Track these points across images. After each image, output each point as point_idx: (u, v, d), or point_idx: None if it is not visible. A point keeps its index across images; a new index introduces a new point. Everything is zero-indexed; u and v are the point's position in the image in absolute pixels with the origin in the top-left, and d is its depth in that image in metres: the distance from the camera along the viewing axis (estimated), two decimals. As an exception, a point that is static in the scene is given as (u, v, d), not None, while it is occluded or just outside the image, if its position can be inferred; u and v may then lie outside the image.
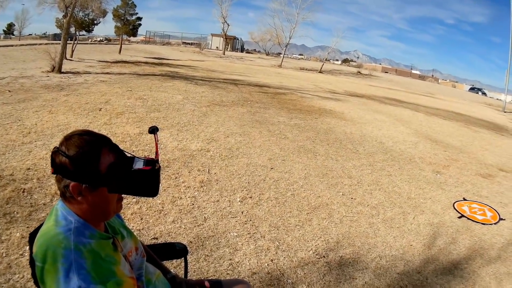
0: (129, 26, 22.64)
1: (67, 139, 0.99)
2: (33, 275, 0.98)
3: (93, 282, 0.91)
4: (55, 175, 0.99)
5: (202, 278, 1.85)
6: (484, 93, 51.74)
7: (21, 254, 2.37)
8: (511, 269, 3.18)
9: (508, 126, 14.64)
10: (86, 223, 1.02)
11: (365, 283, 2.70)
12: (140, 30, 25.99)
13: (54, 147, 0.99)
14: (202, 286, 1.53)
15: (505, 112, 22.45)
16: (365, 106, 12.28)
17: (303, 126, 7.31)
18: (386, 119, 10.02)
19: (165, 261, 1.63)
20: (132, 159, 1.05)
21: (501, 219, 4.26)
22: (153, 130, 1.17)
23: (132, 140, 4.78)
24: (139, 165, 1.03)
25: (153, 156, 1.10)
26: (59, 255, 0.91)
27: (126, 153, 1.07)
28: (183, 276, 1.68)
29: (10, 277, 2.17)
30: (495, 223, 4.13)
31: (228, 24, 37.81)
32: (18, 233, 2.57)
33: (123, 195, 1.11)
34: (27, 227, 2.65)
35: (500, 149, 8.79)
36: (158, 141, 1.18)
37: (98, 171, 0.97)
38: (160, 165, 1.09)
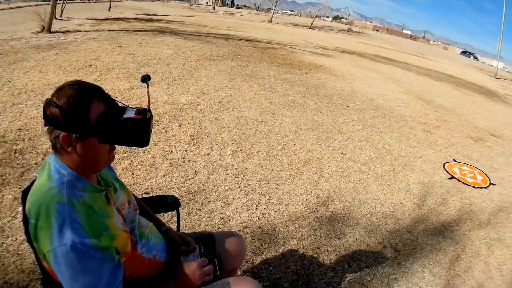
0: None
1: (59, 89, 0.96)
2: (26, 233, 0.98)
3: (86, 236, 0.91)
4: (47, 127, 0.97)
5: (195, 232, 1.80)
6: (475, 58, 51.70)
7: (14, 216, 2.28)
8: (501, 235, 3.21)
9: (499, 92, 14.66)
10: (79, 176, 1.01)
11: (356, 239, 2.71)
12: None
13: (47, 99, 0.95)
14: (197, 238, 1.55)
15: (496, 78, 22.40)
16: (356, 62, 12.08)
17: (294, 81, 7.16)
18: (376, 77, 9.91)
19: (156, 215, 1.57)
20: (124, 108, 1.03)
21: (492, 183, 4.28)
22: (145, 79, 1.14)
23: (122, 95, 4.62)
24: (130, 114, 1.01)
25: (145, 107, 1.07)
26: (53, 210, 0.90)
27: (118, 103, 1.04)
28: (175, 230, 1.64)
29: (3, 241, 2.09)
30: (485, 187, 4.15)
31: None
32: (10, 195, 2.47)
33: (115, 146, 1.08)
34: (19, 188, 2.54)
35: (491, 114, 8.81)
36: (149, 89, 1.17)
37: (88, 120, 0.95)
38: (152, 114, 1.05)
